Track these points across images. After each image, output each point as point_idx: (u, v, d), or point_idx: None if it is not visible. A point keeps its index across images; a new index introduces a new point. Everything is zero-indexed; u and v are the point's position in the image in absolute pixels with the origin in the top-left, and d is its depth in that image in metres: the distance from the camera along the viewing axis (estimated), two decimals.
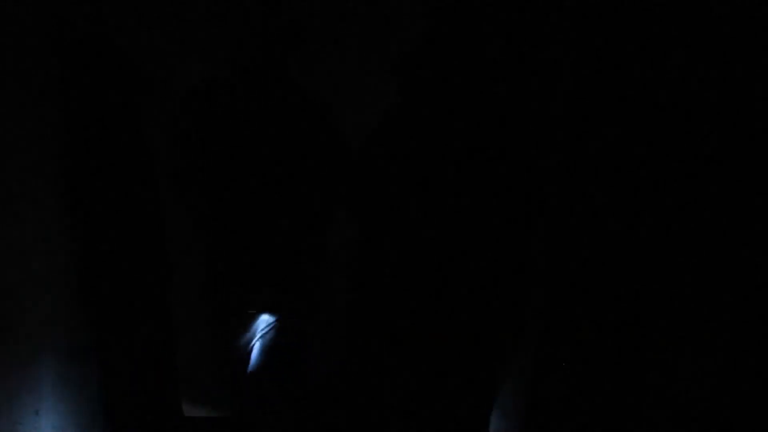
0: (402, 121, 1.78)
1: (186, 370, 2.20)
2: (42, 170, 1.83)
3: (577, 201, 1.90)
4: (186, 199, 1.90)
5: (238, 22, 1.79)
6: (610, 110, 1.82)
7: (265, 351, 1.92)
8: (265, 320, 1.93)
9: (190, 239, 1.94)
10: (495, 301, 1.74)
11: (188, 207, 1.90)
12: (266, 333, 1.93)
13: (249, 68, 1.82)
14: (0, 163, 1.70)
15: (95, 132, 1.86)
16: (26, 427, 1.79)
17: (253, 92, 1.83)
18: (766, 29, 1.63)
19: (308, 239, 1.92)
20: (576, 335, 1.90)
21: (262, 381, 1.91)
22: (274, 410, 1.92)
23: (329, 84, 2.41)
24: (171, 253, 2.05)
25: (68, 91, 1.84)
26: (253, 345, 1.93)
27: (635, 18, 1.79)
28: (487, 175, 1.69)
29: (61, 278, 1.91)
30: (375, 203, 1.81)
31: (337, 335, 1.99)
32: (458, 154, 1.71)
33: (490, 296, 1.74)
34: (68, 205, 1.90)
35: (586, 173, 1.87)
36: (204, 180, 1.85)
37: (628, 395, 1.87)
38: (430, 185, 1.72)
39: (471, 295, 1.72)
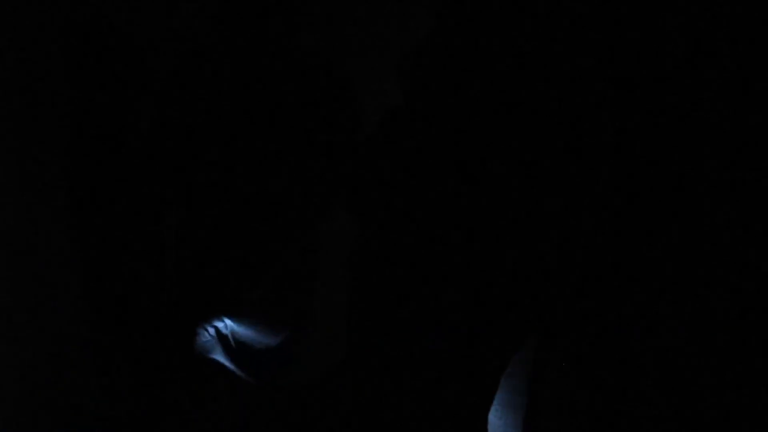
0: (404, 120, 1.78)
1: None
2: (42, 167, 1.82)
3: (577, 201, 1.89)
4: (167, 193, 1.85)
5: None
6: (611, 110, 1.82)
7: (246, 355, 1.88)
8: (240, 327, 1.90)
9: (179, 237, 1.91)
10: (495, 301, 1.74)
11: (169, 201, 1.85)
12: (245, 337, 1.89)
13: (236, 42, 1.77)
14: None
15: (96, 128, 1.85)
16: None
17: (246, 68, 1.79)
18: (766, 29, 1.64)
19: (302, 238, 1.90)
20: (576, 335, 1.90)
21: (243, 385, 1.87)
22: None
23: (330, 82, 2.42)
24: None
25: (72, 87, 1.83)
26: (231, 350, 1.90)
27: (637, 17, 1.80)
28: (489, 175, 1.69)
29: (62, 277, 1.90)
30: (376, 202, 1.81)
31: (337, 335, 1.98)
32: (460, 153, 1.71)
33: (490, 296, 1.74)
34: (66, 203, 1.89)
35: (586, 173, 1.87)
36: (188, 172, 1.82)
37: (628, 395, 1.87)
38: (432, 184, 1.72)
39: (472, 295, 1.72)
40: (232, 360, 1.96)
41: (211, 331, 1.96)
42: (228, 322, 1.93)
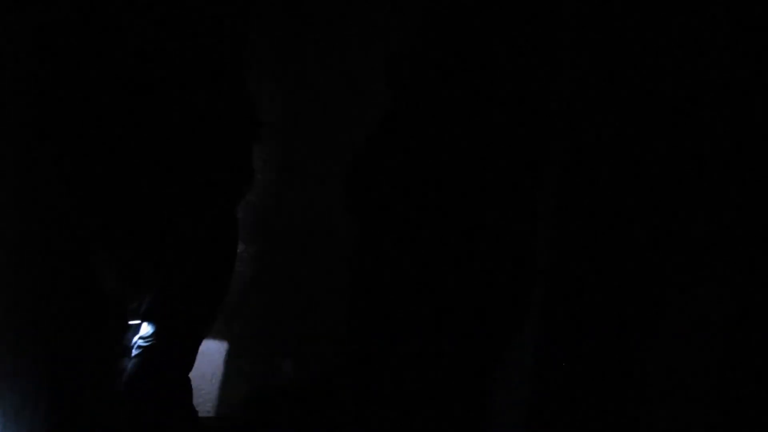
0: (402, 121, 1.78)
1: None
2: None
3: (577, 200, 1.90)
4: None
5: None
6: (611, 109, 1.82)
7: (140, 369, 1.77)
8: (145, 330, 1.80)
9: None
10: (495, 301, 1.74)
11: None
12: (145, 347, 1.79)
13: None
14: None
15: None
16: None
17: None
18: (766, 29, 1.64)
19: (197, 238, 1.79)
20: (576, 335, 1.90)
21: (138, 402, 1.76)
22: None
23: (329, 83, 2.42)
24: None
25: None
26: (132, 360, 1.80)
27: (634, 17, 1.80)
28: (488, 175, 1.70)
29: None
30: (374, 203, 1.81)
31: (338, 335, 1.98)
32: (458, 153, 1.71)
33: (490, 296, 1.74)
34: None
35: (586, 172, 1.87)
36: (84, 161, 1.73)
37: (628, 395, 1.87)
38: (429, 185, 1.72)
39: (472, 294, 1.72)
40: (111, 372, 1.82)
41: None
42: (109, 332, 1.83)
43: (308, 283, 2.47)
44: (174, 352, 1.82)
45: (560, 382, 1.91)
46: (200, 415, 2.31)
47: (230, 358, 2.43)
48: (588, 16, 1.81)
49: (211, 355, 2.33)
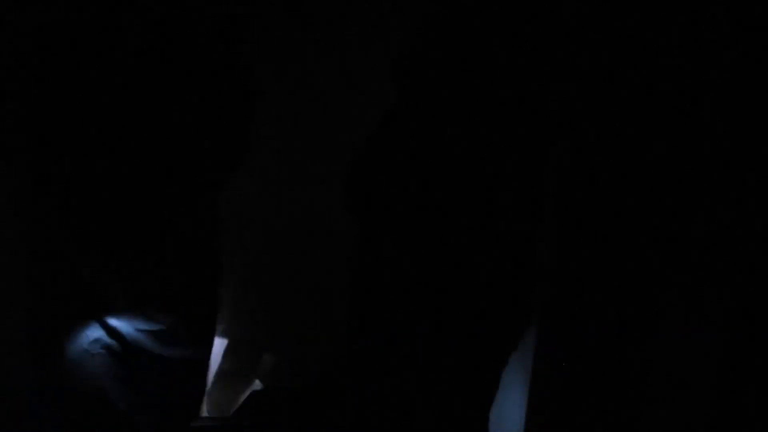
0: (402, 120, 1.78)
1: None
2: None
3: (577, 200, 1.90)
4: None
5: None
6: (611, 109, 1.82)
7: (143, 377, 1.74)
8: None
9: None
10: (496, 301, 1.74)
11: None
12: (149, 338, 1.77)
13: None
14: None
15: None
16: None
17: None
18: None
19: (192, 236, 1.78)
20: (576, 335, 1.90)
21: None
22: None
23: (329, 83, 2.41)
24: None
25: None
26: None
27: (634, 17, 1.80)
28: (489, 174, 1.70)
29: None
30: (374, 203, 1.81)
31: (338, 335, 1.98)
32: (458, 153, 1.71)
33: (491, 297, 1.74)
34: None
35: (587, 172, 1.87)
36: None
37: (629, 395, 1.87)
38: (431, 184, 1.72)
39: (472, 295, 1.72)
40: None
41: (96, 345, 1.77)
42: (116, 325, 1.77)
43: (308, 283, 2.47)
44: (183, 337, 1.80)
45: (560, 382, 1.91)
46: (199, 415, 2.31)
47: (229, 359, 2.43)
48: (588, 16, 1.81)
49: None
